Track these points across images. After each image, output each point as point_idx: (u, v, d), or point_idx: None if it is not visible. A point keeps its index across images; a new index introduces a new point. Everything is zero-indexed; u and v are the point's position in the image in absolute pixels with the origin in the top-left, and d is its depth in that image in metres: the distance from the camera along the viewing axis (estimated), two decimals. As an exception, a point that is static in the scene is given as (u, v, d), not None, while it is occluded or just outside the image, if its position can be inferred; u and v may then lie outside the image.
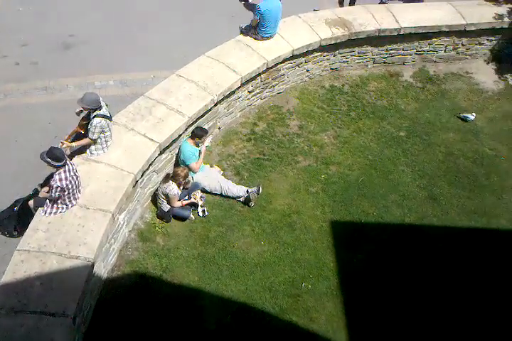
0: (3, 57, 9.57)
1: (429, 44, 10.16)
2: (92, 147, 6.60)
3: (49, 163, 5.73)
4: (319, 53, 9.41)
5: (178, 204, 7.20)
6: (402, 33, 9.68)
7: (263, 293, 6.79)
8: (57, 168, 5.78)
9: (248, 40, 8.86)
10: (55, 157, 5.69)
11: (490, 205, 8.17)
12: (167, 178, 7.19)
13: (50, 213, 5.98)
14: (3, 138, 8.10)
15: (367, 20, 9.59)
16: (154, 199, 7.50)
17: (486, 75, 10.46)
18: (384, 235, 7.63)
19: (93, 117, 6.34)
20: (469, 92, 10.08)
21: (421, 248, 7.51)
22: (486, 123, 9.50)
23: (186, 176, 7.18)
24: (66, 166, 5.83)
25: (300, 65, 9.34)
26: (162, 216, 7.33)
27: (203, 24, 10.72)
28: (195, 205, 7.45)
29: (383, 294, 6.97)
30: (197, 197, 7.45)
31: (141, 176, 6.88)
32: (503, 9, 10.22)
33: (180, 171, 7.12)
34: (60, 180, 5.75)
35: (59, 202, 5.95)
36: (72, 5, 10.09)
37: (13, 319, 5.09)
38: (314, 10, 10.16)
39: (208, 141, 7.96)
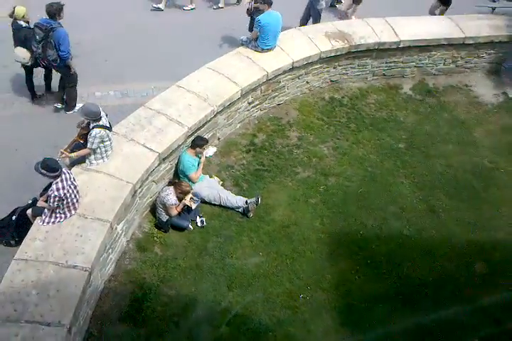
0: (5, 67, 9.65)
1: (428, 57, 10.23)
2: (92, 157, 6.62)
3: (43, 174, 5.74)
4: (319, 65, 9.47)
5: (175, 212, 7.19)
6: (401, 46, 9.76)
7: (260, 304, 6.75)
8: (53, 177, 5.79)
9: (248, 52, 8.92)
10: (48, 168, 5.70)
11: (489, 218, 8.16)
12: (169, 185, 7.19)
13: (48, 222, 5.97)
14: (3, 147, 8.13)
15: (366, 33, 9.66)
16: (153, 209, 7.50)
17: (485, 88, 10.51)
18: (383, 247, 7.60)
19: (92, 128, 6.37)
20: (468, 105, 10.12)
21: (419, 260, 7.48)
22: (485, 136, 9.52)
23: (187, 192, 7.13)
24: (64, 175, 5.83)
25: (300, 77, 9.40)
26: (160, 226, 7.32)
27: (204, 36, 10.83)
28: (189, 210, 7.35)
29: (381, 307, 6.93)
30: (187, 198, 7.18)
31: (140, 186, 6.88)
32: (501, 22, 10.30)
33: (185, 186, 7.11)
34: (58, 189, 5.75)
35: (57, 211, 5.95)
36: (74, 16, 10.14)
37: (9, 328, 5.05)
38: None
39: (211, 151, 7.97)
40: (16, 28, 8.38)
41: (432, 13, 11.55)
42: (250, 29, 10.07)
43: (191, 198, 7.24)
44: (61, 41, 8.04)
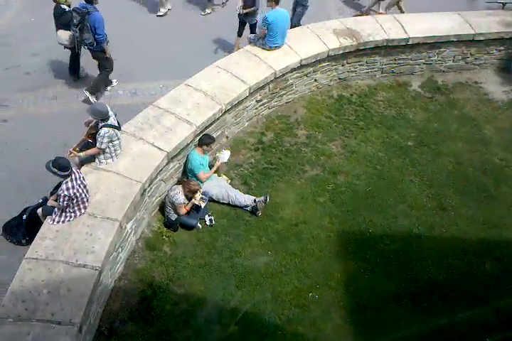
0: (15, 67, 9.72)
1: (437, 54, 10.16)
2: (101, 156, 6.65)
3: (55, 173, 5.78)
4: (327, 63, 9.44)
5: (183, 210, 7.21)
6: (410, 42, 9.70)
7: (269, 302, 6.75)
8: (64, 177, 5.82)
9: (256, 50, 8.91)
10: (60, 166, 5.74)
11: (499, 216, 8.08)
12: (178, 183, 7.20)
13: (58, 221, 6.01)
14: (13, 147, 8.19)
15: (375, 30, 9.61)
16: (162, 208, 7.52)
17: (494, 85, 10.42)
18: (392, 245, 7.57)
19: (101, 127, 6.39)
20: (478, 102, 10.04)
21: (429, 258, 7.45)
22: (496, 133, 9.44)
23: (195, 191, 7.15)
24: (73, 175, 5.87)
25: (308, 75, 9.38)
26: (169, 225, 7.35)
27: (213, 34, 10.84)
28: (198, 208, 7.37)
29: (391, 305, 6.92)
30: (197, 197, 7.21)
31: (149, 185, 6.91)
32: (511, 19, 10.20)
33: (193, 185, 7.12)
34: (68, 188, 5.79)
35: (67, 210, 5.98)
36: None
37: (20, 327, 5.10)
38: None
39: (226, 156, 7.91)
40: (59, 12, 8.76)
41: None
42: (239, 34, 10.22)
43: (201, 198, 7.27)
44: (97, 25, 8.34)
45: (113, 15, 10.98)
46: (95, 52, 8.84)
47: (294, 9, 10.43)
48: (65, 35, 8.80)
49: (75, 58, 9.42)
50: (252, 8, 9.79)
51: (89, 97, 9.05)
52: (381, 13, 11.67)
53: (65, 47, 9.04)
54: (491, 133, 9.43)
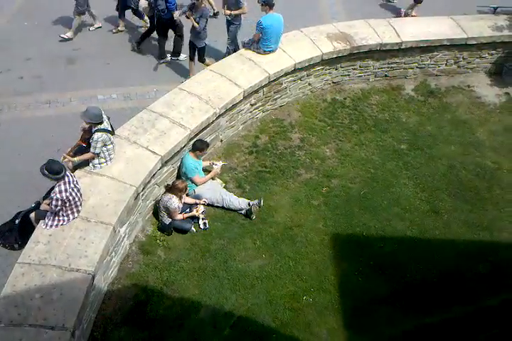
0: (8, 71, 9.70)
1: (430, 58, 10.22)
2: (95, 160, 6.64)
3: (47, 176, 5.76)
4: (321, 67, 9.48)
5: (179, 217, 7.21)
6: (403, 46, 9.75)
7: (264, 306, 6.75)
8: (56, 180, 5.80)
9: (250, 54, 8.93)
10: (52, 170, 5.71)
11: (492, 218, 8.13)
12: (167, 191, 7.22)
13: (51, 226, 5.99)
14: (6, 151, 8.16)
15: (368, 34, 9.66)
16: (156, 212, 7.50)
17: (487, 89, 10.49)
18: (386, 248, 7.59)
19: (94, 132, 6.38)
20: (471, 105, 10.10)
21: (423, 261, 7.47)
22: (488, 136, 9.50)
23: (185, 190, 7.18)
24: (66, 178, 5.84)
25: (302, 79, 9.41)
26: (163, 229, 7.33)
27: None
28: (195, 218, 7.44)
29: (385, 308, 6.92)
30: (199, 210, 7.42)
31: (143, 189, 6.90)
32: (503, 23, 10.28)
33: (179, 184, 7.14)
34: (60, 192, 5.77)
35: (60, 214, 5.97)
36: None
37: (12, 332, 5.07)
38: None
39: (219, 166, 7.91)
40: None
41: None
42: (191, 58, 9.79)
43: (203, 211, 7.42)
44: None
45: (105, 16, 11.07)
46: (166, 19, 9.65)
47: (228, 27, 9.99)
48: (143, 3, 10.44)
49: (150, 30, 10.53)
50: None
51: (161, 61, 10.37)
52: (414, 16, 11.77)
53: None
54: (484, 137, 9.49)
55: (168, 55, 10.40)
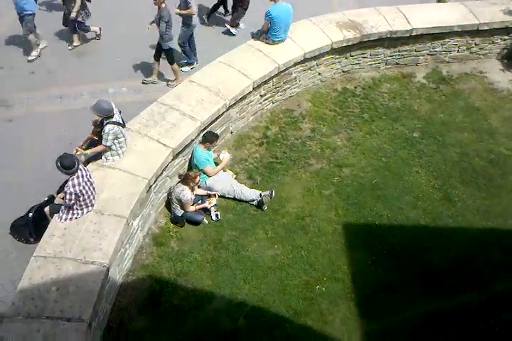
0: (20, 66, 9.76)
1: (441, 44, 10.10)
2: (108, 153, 6.69)
3: (60, 170, 5.81)
4: (331, 56, 9.41)
5: (191, 208, 7.26)
6: (414, 34, 9.65)
7: (277, 296, 6.79)
8: (70, 174, 5.86)
9: (259, 44, 8.90)
10: (66, 163, 5.77)
11: (506, 205, 8.07)
12: (180, 181, 7.26)
13: (66, 219, 6.07)
14: (19, 146, 8.25)
15: (378, 22, 9.57)
16: (168, 204, 7.56)
17: (500, 74, 10.36)
18: (398, 237, 7.59)
19: (106, 124, 6.42)
20: (484, 92, 9.98)
21: (436, 249, 7.45)
22: (502, 123, 9.40)
23: (197, 180, 7.22)
24: (79, 172, 5.90)
25: (312, 68, 9.36)
26: (176, 220, 7.39)
27: (215, 29, 10.84)
28: (207, 210, 7.49)
29: (398, 296, 6.93)
30: (212, 202, 7.44)
31: (155, 181, 6.95)
32: (516, 7, 10.13)
33: (192, 174, 7.18)
34: (74, 186, 5.84)
35: (74, 208, 6.03)
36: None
37: (30, 324, 5.17)
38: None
39: (227, 156, 7.91)
40: None
41: None
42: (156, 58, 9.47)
43: (215, 204, 7.44)
44: None
45: (115, 10, 11.08)
46: None
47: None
48: None
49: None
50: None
51: (231, 30, 10.97)
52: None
53: None
54: (497, 123, 9.39)
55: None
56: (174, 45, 9.33)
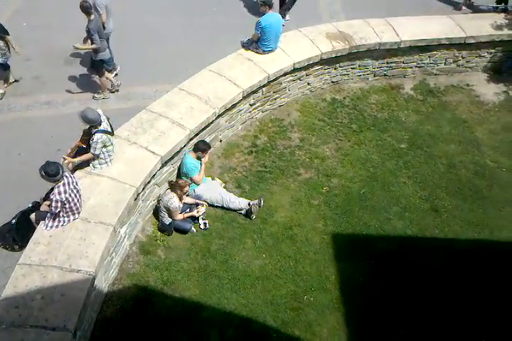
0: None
1: (429, 57, 10.21)
2: (96, 162, 6.64)
3: (44, 178, 5.73)
4: (320, 66, 9.47)
5: (179, 216, 7.22)
6: (402, 46, 9.74)
7: (265, 306, 6.76)
8: (54, 181, 5.79)
9: (249, 53, 8.92)
10: (50, 171, 5.68)
11: (492, 217, 8.14)
12: (169, 187, 7.22)
13: (52, 226, 5.99)
14: (6, 152, 8.16)
15: (367, 33, 9.65)
16: (156, 212, 7.51)
17: (486, 87, 10.49)
18: (386, 247, 7.60)
19: (94, 133, 6.37)
20: (470, 104, 10.10)
21: (423, 260, 7.48)
22: (487, 135, 9.50)
23: (185, 190, 7.17)
24: (66, 179, 5.84)
25: (301, 78, 9.41)
26: (163, 229, 7.33)
27: (205, 38, 10.84)
28: (195, 218, 7.45)
29: (385, 307, 6.93)
30: (200, 211, 7.40)
31: (143, 189, 6.91)
32: (502, 22, 10.29)
33: (182, 183, 7.14)
34: (59, 193, 5.76)
35: (60, 215, 5.96)
36: (75, 20, 10.18)
37: (14, 333, 5.08)
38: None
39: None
40: None
41: None
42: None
43: (203, 212, 7.40)
44: None
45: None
46: None
47: None
48: None
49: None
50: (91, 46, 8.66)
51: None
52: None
53: None
54: (482, 135, 9.49)
55: None
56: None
